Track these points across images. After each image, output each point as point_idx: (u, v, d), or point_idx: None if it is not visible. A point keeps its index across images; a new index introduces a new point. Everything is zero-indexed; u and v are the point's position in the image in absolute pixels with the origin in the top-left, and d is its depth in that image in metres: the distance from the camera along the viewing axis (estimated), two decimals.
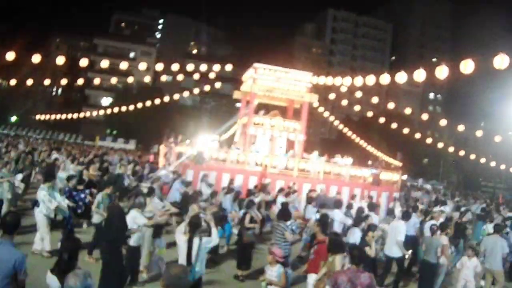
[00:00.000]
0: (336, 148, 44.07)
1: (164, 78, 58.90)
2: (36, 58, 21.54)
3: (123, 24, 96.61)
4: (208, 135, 33.04)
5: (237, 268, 11.93)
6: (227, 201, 16.35)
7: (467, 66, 13.96)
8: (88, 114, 52.66)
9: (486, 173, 79.84)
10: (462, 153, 41.31)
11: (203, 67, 29.35)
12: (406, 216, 13.56)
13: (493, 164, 43.02)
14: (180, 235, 7.76)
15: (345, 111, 72.00)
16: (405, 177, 31.60)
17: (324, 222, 10.42)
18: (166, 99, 41.87)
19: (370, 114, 46.54)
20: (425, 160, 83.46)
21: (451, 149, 43.43)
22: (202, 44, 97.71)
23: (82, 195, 13.92)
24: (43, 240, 11.71)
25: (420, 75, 17.91)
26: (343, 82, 25.57)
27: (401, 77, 19.74)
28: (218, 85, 33.92)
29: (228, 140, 34.54)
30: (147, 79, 38.96)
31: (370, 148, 42.22)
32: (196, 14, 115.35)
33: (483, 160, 43.40)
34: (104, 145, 63.16)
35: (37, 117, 64.11)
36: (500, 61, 12.91)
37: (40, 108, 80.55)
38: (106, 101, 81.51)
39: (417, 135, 41.23)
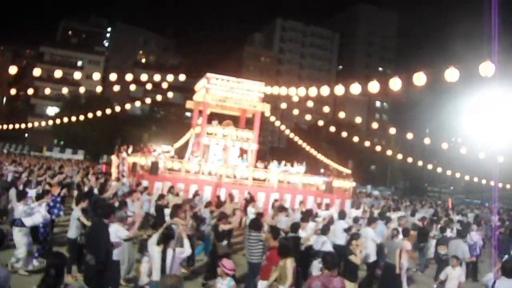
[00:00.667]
0: (286, 156, 44.47)
1: (114, 87, 58.66)
2: None
3: (70, 32, 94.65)
4: (160, 145, 33.14)
5: (205, 279, 12.07)
6: (207, 213, 15.89)
7: (419, 78, 14.45)
8: (36, 124, 51.53)
9: (431, 178, 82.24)
10: (410, 160, 42.14)
11: (156, 77, 29.40)
12: (372, 223, 14.06)
13: (439, 170, 44.08)
14: (153, 246, 7.88)
15: (295, 119, 72.70)
16: (353, 184, 32.13)
17: (276, 230, 10.59)
18: (117, 109, 41.48)
19: (321, 123, 46.98)
20: (372, 167, 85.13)
21: (399, 156, 44.32)
22: (151, 53, 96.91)
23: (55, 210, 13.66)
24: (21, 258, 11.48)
25: (374, 86, 18.40)
26: (297, 92, 25.97)
27: (355, 88, 20.23)
28: (170, 94, 33.80)
29: (180, 149, 34.55)
30: (98, 88, 38.55)
31: (320, 156, 42.76)
32: (144, 23, 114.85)
33: (430, 167, 44.42)
34: (51, 156, 62.08)
35: None
36: (450, 74, 13.41)
37: None
38: (52, 110, 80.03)
39: (367, 143, 41.93)
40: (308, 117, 43.26)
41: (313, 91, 23.99)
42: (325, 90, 22.86)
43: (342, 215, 15.63)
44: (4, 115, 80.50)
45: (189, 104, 33.57)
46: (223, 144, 29.46)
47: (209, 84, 29.28)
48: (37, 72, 32.68)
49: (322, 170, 33.09)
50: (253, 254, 10.73)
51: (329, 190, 27.58)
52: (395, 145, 66.42)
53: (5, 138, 72.20)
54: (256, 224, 11.36)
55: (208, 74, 29.75)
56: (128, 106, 40.57)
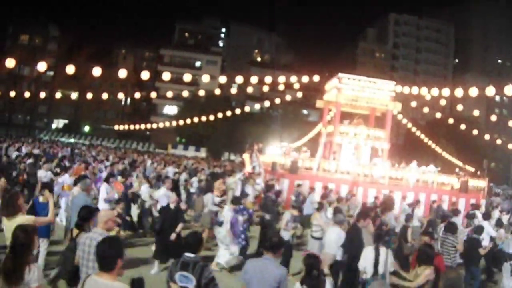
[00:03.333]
0: (405, 153, 44.23)
1: (232, 89, 60.09)
2: (100, 71, 22.68)
3: (186, 34, 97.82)
4: (281, 143, 33.96)
5: None
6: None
7: None
8: (161, 125, 54.07)
9: None
10: None
11: (271, 76, 29.87)
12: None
13: None
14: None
15: (411, 114, 71.53)
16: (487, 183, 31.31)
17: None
18: (238, 111, 42.83)
19: (438, 115, 45.94)
20: (492, 164, 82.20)
21: None
22: (266, 52, 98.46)
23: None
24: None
25: (491, 91, 18.51)
26: (431, 92, 26.17)
27: (473, 91, 20.46)
28: (299, 94, 34.57)
29: (300, 147, 35.23)
30: (217, 91, 40.18)
31: (446, 155, 42.02)
32: (256, 22, 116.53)
33: None
34: (175, 153, 64.78)
35: (115, 127, 66.33)
36: None
37: (110, 118, 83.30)
38: (173, 109, 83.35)
39: (487, 137, 40.80)
40: (425, 109, 42.21)
41: (445, 92, 24.31)
42: (459, 92, 23.08)
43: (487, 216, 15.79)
44: (128, 116, 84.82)
45: (319, 104, 34.17)
46: (355, 143, 29.84)
47: (340, 83, 29.77)
48: (165, 76, 34.10)
49: (457, 170, 32.74)
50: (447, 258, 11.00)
51: (464, 190, 27.29)
52: None
53: (130, 137, 76.33)
54: (452, 227, 11.70)
55: (340, 74, 30.26)
56: (247, 108, 41.79)
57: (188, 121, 44.69)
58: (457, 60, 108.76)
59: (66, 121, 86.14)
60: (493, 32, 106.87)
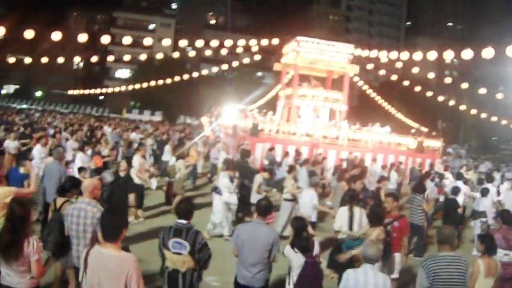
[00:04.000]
0: (360, 115, 44.80)
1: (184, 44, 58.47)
2: (56, 35, 22.29)
3: None
4: (237, 105, 34.05)
5: None
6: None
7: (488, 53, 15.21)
8: (117, 89, 53.26)
9: (505, 136, 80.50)
10: (483, 115, 41.22)
11: (226, 39, 29.44)
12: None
13: None
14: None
15: (365, 76, 72.13)
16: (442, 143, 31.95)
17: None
18: (195, 74, 42.53)
19: (394, 77, 46.45)
20: (443, 124, 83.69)
21: (473, 111, 43.49)
22: (220, 14, 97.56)
23: None
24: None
25: (448, 55, 19.42)
26: (389, 55, 26.69)
27: (432, 55, 21.35)
28: (256, 57, 34.53)
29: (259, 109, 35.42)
30: (175, 55, 39.75)
31: (400, 116, 42.57)
32: None
33: (504, 122, 42.52)
34: (130, 118, 64.12)
35: (69, 92, 65.23)
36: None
37: (63, 82, 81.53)
38: (127, 73, 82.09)
39: (440, 98, 41.64)
40: (382, 72, 42.62)
41: (404, 55, 24.89)
42: (418, 55, 23.80)
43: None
44: (81, 80, 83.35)
45: (277, 67, 34.13)
46: (314, 105, 30.12)
47: (299, 47, 29.83)
48: (119, 38, 32.76)
49: (412, 131, 33.43)
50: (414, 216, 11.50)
51: (420, 150, 28.00)
52: (467, 102, 65.48)
53: (84, 101, 75.09)
54: (420, 188, 12.09)
55: (298, 37, 30.26)
56: (205, 71, 41.58)
57: (145, 85, 44.10)
58: (409, 23, 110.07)
59: (17, 87, 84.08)
60: None
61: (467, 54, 19.26)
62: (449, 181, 16.83)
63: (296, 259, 6.30)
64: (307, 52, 29.80)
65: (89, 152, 15.64)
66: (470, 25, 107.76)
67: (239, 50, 31.86)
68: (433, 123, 44.54)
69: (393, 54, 26.72)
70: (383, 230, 7.47)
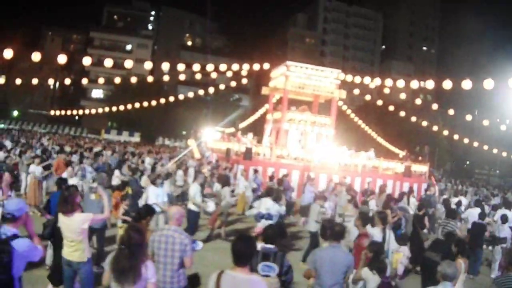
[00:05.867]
0: (343, 139, 45.24)
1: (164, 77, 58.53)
2: (35, 56, 22.53)
3: (115, 17, 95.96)
4: (215, 128, 34.22)
5: None
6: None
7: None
8: (93, 111, 52.82)
9: (479, 160, 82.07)
10: (456, 137, 42.17)
11: (203, 61, 29.38)
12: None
13: (486, 147, 43.05)
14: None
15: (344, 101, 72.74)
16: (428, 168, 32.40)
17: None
18: (171, 99, 42.56)
19: (368, 97, 47.30)
20: (417, 148, 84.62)
21: (445, 132, 44.37)
22: (197, 35, 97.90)
23: None
24: None
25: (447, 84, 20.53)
26: (374, 81, 27.35)
27: (400, 83, 22.61)
28: (218, 78, 34.89)
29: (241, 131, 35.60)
30: (149, 79, 39.85)
31: (381, 140, 42.97)
32: (188, 5, 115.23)
33: (476, 144, 43.11)
34: (109, 138, 63.77)
35: (46, 112, 64.58)
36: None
37: (40, 102, 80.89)
38: (104, 93, 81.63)
39: (413, 119, 42.45)
40: (368, 97, 43.36)
41: (388, 82, 25.56)
42: (400, 83, 24.76)
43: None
44: (57, 100, 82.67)
45: (265, 90, 34.38)
46: (302, 130, 30.43)
47: (288, 71, 30.19)
48: (87, 60, 31.03)
49: (400, 155, 33.90)
50: None
51: (407, 174, 28.41)
52: (442, 126, 66.51)
53: (62, 122, 74.49)
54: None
55: (288, 62, 30.69)
56: (181, 96, 41.62)
57: (121, 107, 44.02)
58: (384, 47, 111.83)
59: None
60: (419, 20, 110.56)
61: (447, 84, 20.68)
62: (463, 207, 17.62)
63: (373, 280, 6.80)
64: (296, 76, 30.19)
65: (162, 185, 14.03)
66: (442, 48, 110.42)
67: (213, 74, 31.86)
68: (408, 146, 45.14)
69: (377, 80, 27.53)
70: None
